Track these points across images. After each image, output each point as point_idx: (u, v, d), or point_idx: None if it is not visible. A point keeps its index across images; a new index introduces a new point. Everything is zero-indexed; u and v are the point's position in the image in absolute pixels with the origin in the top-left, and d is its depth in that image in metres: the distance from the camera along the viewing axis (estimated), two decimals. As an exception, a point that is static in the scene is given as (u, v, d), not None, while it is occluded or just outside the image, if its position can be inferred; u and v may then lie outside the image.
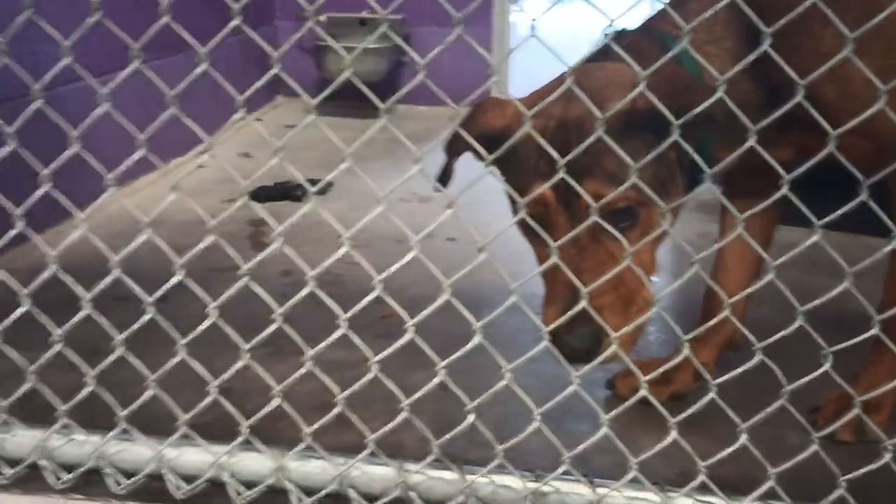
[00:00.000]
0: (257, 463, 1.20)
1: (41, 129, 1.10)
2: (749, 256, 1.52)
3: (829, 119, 0.97)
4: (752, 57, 0.98)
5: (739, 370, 1.05)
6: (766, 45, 0.94)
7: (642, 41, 1.20)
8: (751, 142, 0.98)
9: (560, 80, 1.07)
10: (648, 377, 1.09)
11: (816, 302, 1.01)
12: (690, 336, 1.08)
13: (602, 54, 1.28)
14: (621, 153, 1.00)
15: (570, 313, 1.06)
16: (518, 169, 1.15)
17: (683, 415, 1.09)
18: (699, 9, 1.17)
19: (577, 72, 1.07)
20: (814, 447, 1.08)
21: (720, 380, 1.07)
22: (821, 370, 1.03)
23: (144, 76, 1.05)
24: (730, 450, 1.08)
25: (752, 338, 1.04)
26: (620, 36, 1.27)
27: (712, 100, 1.00)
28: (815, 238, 0.99)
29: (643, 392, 1.08)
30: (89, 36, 1.03)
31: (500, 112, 1.19)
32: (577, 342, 1.09)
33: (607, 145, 1.00)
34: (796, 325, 1.02)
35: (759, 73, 1.19)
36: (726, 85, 0.98)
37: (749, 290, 1.15)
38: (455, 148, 1.23)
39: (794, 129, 1.16)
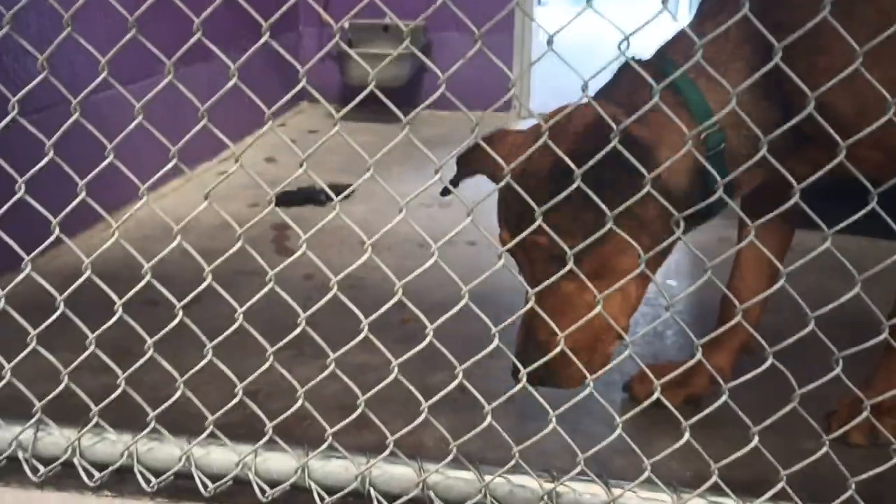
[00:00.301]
0: (281, 462, 1.23)
1: (70, 136, 1.14)
2: (765, 262, 1.54)
3: (844, 134, 0.98)
4: (761, 72, 1.00)
5: (751, 374, 1.07)
6: (776, 59, 0.95)
7: (646, 73, 1.12)
8: (762, 153, 1.00)
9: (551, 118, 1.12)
10: (663, 380, 1.12)
11: (828, 307, 1.03)
12: (705, 340, 1.10)
13: (612, 85, 1.31)
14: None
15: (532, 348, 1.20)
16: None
17: (697, 417, 1.11)
18: (714, 29, 1.14)
19: (560, 115, 1.14)
20: (825, 449, 1.09)
21: (733, 383, 1.09)
22: (831, 374, 1.05)
23: (170, 85, 1.09)
24: (742, 452, 1.10)
25: (763, 342, 1.06)
26: (627, 66, 1.27)
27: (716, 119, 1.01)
28: (825, 245, 1.01)
29: (657, 395, 1.11)
30: (115, 46, 1.07)
31: (496, 148, 1.22)
32: (532, 371, 1.17)
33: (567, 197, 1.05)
34: (808, 329, 1.04)
35: (776, 95, 1.21)
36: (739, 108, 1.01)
37: (762, 295, 1.17)
38: (468, 167, 1.29)
39: (809, 145, 1.19)
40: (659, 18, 0.96)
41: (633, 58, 1.23)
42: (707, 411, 1.10)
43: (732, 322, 1.12)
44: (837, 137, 0.97)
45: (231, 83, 1.05)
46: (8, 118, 1.15)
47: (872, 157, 1.06)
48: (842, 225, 1.01)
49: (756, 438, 1.11)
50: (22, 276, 1.18)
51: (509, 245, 1.15)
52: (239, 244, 1.12)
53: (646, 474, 1.13)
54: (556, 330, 1.12)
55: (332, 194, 1.14)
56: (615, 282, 1.17)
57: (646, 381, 1.52)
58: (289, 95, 1.06)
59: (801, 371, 1.07)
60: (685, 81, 1.25)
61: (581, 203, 1.07)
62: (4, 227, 1.22)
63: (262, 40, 1.01)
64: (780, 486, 1.12)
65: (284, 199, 2.64)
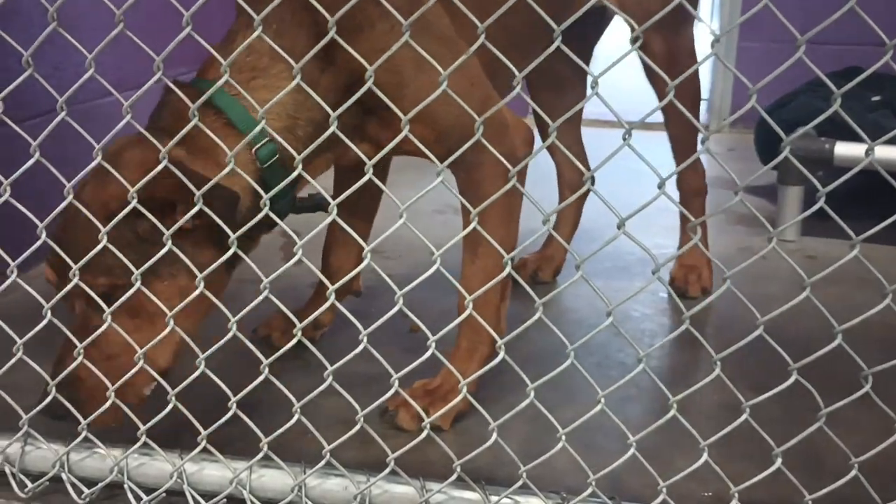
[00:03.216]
0: (277, 479, 1.18)
1: (64, 144, 1.11)
2: (352, 240, 1.68)
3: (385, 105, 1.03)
4: (310, 55, 1.02)
5: (775, 391, 1.00)
6: (332, 34, 0.96)
7: (187, 96, 1.13)
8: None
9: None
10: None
11: (856, 320, 0.97)
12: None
13: (159, 110, 1.29)
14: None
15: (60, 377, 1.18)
16: None
17: (716, 436, 1.05)
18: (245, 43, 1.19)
19: (117, 148, 1.18)
20: (854, 472, 1.03)
21: (754, 401, 1.02)
22: (860, 392, 0.98)
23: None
24: (764, 474, 1.04)
25: (787, 357, 1.00)
26: (169, 91, 1.26)
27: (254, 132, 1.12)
28: (853, 253, 0.94)
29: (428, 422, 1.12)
30: (114, 52, 1.03)
31: None
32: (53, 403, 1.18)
33: (98, 237, 1.10)
34: (834, 343, 0.97)
35: (329, 86, 1.21)
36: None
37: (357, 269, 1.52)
38: None
39: (373, 124, 1.26)
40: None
41: (173, 80, 1.22)
42: (727, 430, 1.04)
43: (325, 306, 1.13)
44: (396, 109, 1.00)
45: (223, 80, 1.00)
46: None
47: (420, 133, 1.06)
48: (869, 233, 0.95)
49: (779, 460, 1.04)
50: (6, 283, 1.14)
51: (69, 287, 1.15)
52: (229, 253, 1.07)
53: (661, 497, 1.07)
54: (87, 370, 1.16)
55: (329, 199, 1.09)
56: (153, 320, 1.18)
57: (408, 407, 1.46)
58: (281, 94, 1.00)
59: (829, 388, 1.01)
60: (225, 99, 1.27)
61: (129, 242, 1.15)
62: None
63: (255, 35, 0.96)
64: (805, 510, 1.05)
65: (294, 207, 2.59)
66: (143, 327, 1.18)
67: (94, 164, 1.11)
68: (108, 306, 1.14)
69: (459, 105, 1.01)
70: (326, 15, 0.97)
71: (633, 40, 0.93)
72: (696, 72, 2.04)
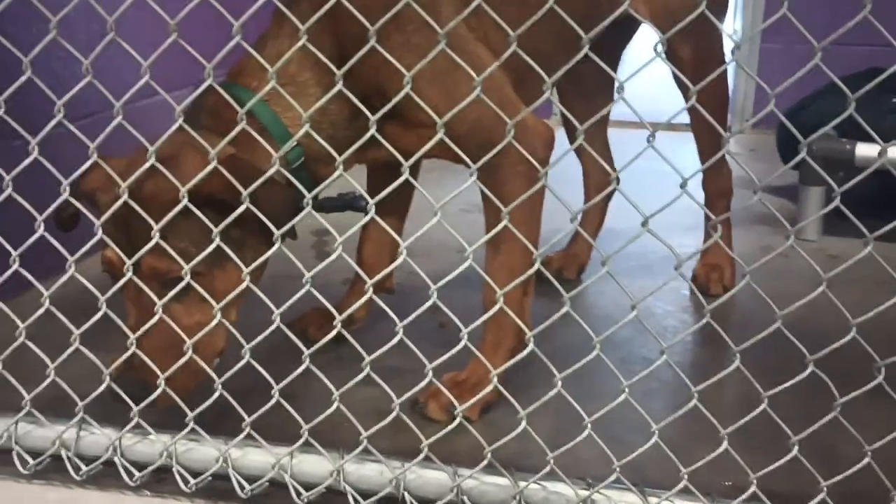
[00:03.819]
0: (316, 465, 1.24)
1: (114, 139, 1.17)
2: (387, 236, 1.79)
3: (404, 112, 1.14)
4: (349, 65, 1.07)
5: (791, 382, 1.05)
6: (372, 42, 1.04)
7: (223, 101, 1.21)
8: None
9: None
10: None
11: (871, 313, 1.01)
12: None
13: (198, 111, 1.36)
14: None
15: (122, 358, 1.25)
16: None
17: (734, 426, 1.09)
18: (277, 51, 1.33)
19: (166, 144, 1.21)
20: (867, 460, 1.07)
21: (772, 392, 1.07)
22: (873, 383, 1.03)
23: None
24: (781, 462, 1.08)
25: (804, 349, 1.04)
26: (208, 93, 1.31)
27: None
28: (867, 250, 0.99)
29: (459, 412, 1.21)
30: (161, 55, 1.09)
31: (95, 175, 1.28)
32: (124, 387, 1.25)
33: (169, 223, 1.17)
34: (849, 336, 1.02)
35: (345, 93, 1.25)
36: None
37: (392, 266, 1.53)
38: (84, 189, 1.32)
39: (388, 127, 1.30)
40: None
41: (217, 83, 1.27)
42: (745, 420, 1.08)
43: (362, 300, 1.21)
44: (432, 112, 1.08)
45: (268, 87, 1.06)
46: (53, 122, 1.18)
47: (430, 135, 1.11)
48: (883, 230, 0.99)
49: (796, 448, 1.09)
50: (65, 277, 1.21)
51: (130, 264, 1.22)
52: (276, 246, 1.13)
53: (682, 483, 1.12)
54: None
55: (368, 198, 1.15)
56: (219, 301, 1.22)
57: (440, 396, 1.51)
58: (321, 102, 1.06)
59: (844, 380, 1.05)
60: (259, 106, 1.34)
61: (198, 229, 1.22)
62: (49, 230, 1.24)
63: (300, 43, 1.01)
64: (820, 497, 1.09)
65: (325, 205, 2.65)
66: (206, 311, 1.24)
67: (148, 163, 1.17)
68: (170, 290, 1.23)
69: (476, 109, 1.08)
70: (367, 23, 1.03)
71: (656, 48, 0.99)
72: (724, 76, 2.07)
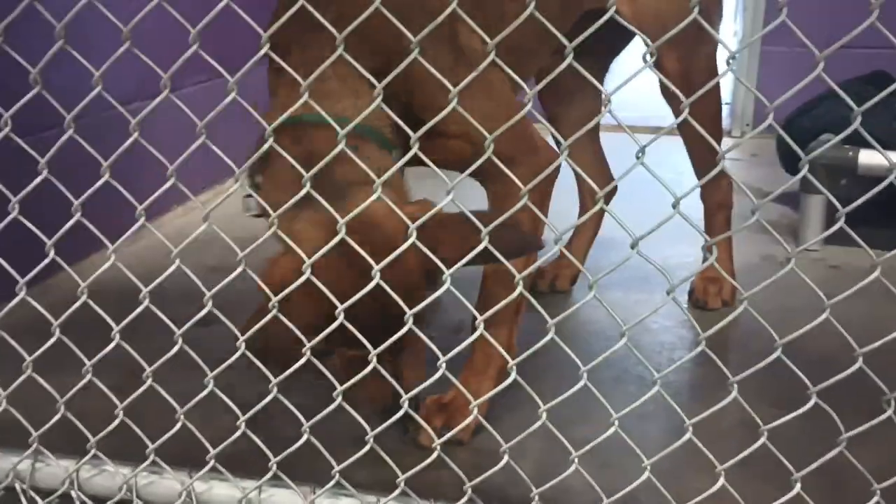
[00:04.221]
0: (286, 499, 1.17)
1: (77, 163, 1.10)
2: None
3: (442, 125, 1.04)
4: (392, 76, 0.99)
5: (793, 414, 0.98)
6: (415, 54, 0.95)
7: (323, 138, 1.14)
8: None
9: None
10: None
11: (877, 343, 0.94)
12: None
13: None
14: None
15: None
16: None
17: (732, 461, 1.02)
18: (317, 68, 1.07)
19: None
20: (876, 499, 1.00)
21: (773, 424, 1.00)
22: (882, 417, 0.95)
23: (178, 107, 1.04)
24: (783, 499, 1.01)
25: (806, 381, 0.97)
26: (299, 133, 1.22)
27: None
28: (874, 274, 0.92)
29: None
30: (119, 65, 1.02)
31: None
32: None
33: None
34: (855, 367, 0.95)
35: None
36: None
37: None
38: None
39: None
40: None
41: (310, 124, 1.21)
42: (744, 454, 1.01)
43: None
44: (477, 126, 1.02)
45: (229, 98, 0.99)
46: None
47: (459, 147, 1.12)
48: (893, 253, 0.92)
49: (798, 485, 1.01)
50: (16, 300, 1.14)
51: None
52: (241, 269, 1.06)
53: (676, 521, 1.04)
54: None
55: (339, 218, 1.07)
56: None
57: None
58: (288, 112, 0.99)
59: (849, 408, 0.98)
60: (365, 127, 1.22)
61: None
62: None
63: (261, 53, 0.95)
64: (825, 537, 1.02)
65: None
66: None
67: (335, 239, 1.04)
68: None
69: (494, 125, 1.00)
70: (410, 36, 0.95)
71: (644, 58, 0.91)
72: (717, 90, 1.99)
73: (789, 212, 2.61)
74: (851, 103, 0.87)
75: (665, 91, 1.64)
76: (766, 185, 2.87)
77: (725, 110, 3.71)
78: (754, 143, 3.53)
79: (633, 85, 0.99)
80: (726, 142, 3.32)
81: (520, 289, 1.03)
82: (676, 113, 1.86)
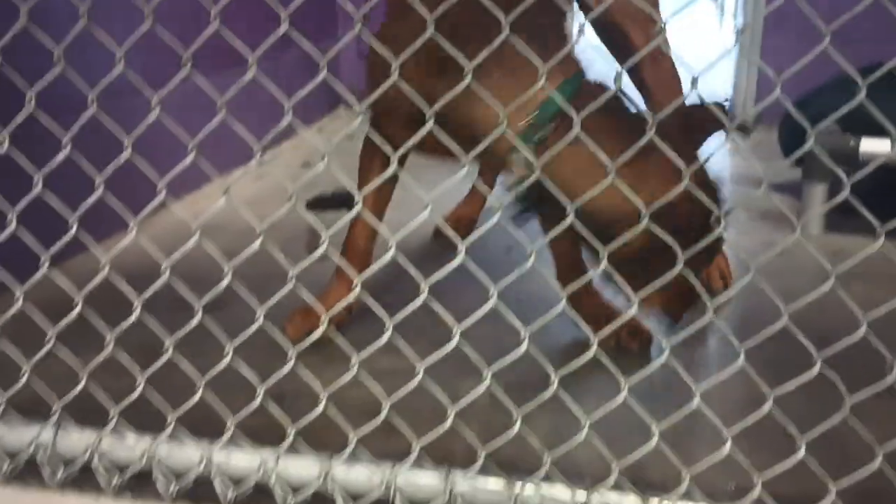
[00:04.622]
0: (303, 467, 1.19)
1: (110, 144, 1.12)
2: None
3: None
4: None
5: (798, 381, 1.01)
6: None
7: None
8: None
9: None
10: None
11: (882, 309, 0.97)
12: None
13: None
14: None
15: None
16: None
17: (740, 425, 1.05)
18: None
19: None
20: (878, 461, 1.03)
21: (778, 391, 1.03)
22: (887, 382, 0.98)
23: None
24: (788, 463, 1.04)
25: (811, 347, 1.00)
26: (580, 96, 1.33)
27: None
28: (878, 243, 0.95)
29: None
30: (150, 50, 1.05)
31: None
32: None
33: None
34: (860, 331, 0.98)
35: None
36: None
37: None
38: None
39: None
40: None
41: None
42: (751, 419, 1.04)
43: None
44: None
45: (249, 74, 1.02)
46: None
47: None
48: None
49: (803, 449, 1.04)
50: (40, 273, 1.16)
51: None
52: (258, 242, 1.09)
53: (684, 485, 1.07)
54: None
55: (357, 195, 1.11)
56: None
57: None
58: (299, 95, 1.02)
59: (854, 378, 1.01)
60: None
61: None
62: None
63: (281, 29, 0.98)
64: (829, 499, 1.05)
65: (319, 203, 2.62)
66: None
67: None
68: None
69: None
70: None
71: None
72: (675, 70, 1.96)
73: (792, 201, 2.64)
74: (858, 77, 0.90)
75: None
76: (768, 178, 2.89)
77: (727, 104, 3.73)
78: (755, 135, 3.55)
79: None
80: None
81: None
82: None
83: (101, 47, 1.10)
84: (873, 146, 2.32)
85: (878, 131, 0.96)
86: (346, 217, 1.15)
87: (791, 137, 2.68)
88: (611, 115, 1.26)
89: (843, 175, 0.96)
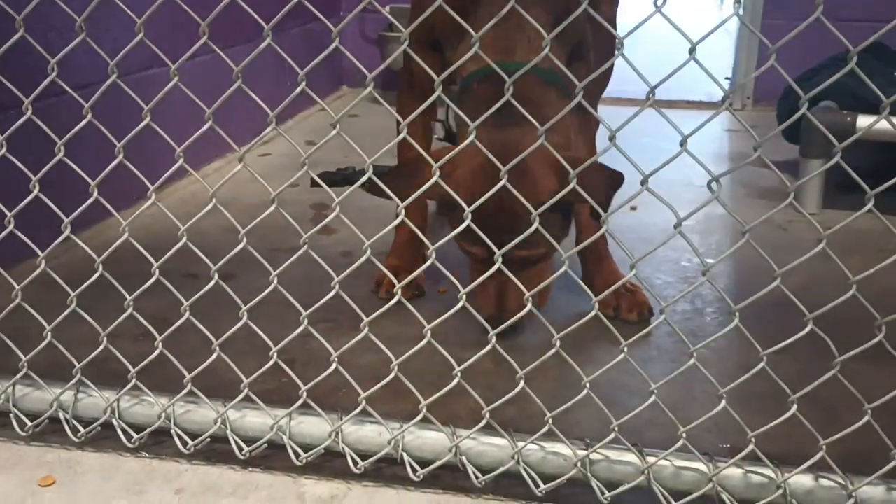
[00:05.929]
0: (315, 426, 1.23)
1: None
2: None
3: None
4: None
5: (790, 340, 1.04)
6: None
7: (530, 85, 1.37)
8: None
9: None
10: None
11: (871, 270, 1.00)
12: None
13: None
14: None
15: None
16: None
17: (734, 384, 1.09)
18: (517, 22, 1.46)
19: (494, 139, 1.35)
20: (866, 419, 1.07)
21: (770, 350, 1.07)
22: (873, 341, 1.02)
23: (213, 64, 1.10)
24: (779, 420, 1.08)
25: (802, 307, 1.04)
26: (487, 79, 1.49)
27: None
28: (867, 207, 0.98)
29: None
30: (168, 26, 1.08)
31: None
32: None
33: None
34: (849, 294, 1.01)
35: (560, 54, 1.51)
36: None
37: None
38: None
39: None
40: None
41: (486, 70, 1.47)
42: (744, 378, 1.08)
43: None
44: None
45: (264, 44, 1.06)
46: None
47: None
48: (885, 186, 0.99)
49: (794, 406, 1.08)
50: (61, 237, 1.20)
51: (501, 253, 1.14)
52: (273, 207, 1.13)
53: (680, 442, 1.11)
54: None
55: (368, 168, 1.14)
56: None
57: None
58: (303, 68, 1.05)
59: (844, 341, 1.05)
60: (550, 75, 1.50)
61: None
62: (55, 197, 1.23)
63: (293, 2, 1.01)
64: (818, 456, 1.09)
65: (324, 180, 2.65)
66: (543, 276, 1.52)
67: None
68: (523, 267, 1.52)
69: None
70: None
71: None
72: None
73: (789, 179, 2.68)
74: (850, 46, 0.94)
75: None
76: (766, 156, 2.92)
77: (727, 84, 3.76)
78: (754, 115, 3.59)
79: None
80: (726, 115, 3.38)
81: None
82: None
83: (109, 21, 1.13)
84: (870, 123, 2.34)
85: (876, 110, 1.00)
86: (356, 185, 1.18)
87: (789, 116, 2.70)
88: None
89: (835, 140, 1.00)
